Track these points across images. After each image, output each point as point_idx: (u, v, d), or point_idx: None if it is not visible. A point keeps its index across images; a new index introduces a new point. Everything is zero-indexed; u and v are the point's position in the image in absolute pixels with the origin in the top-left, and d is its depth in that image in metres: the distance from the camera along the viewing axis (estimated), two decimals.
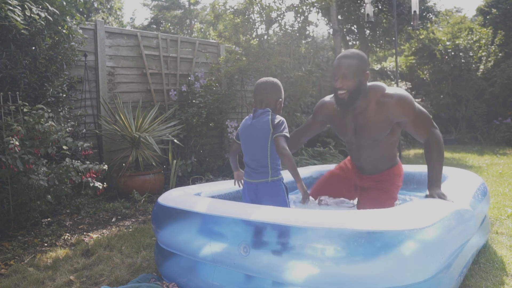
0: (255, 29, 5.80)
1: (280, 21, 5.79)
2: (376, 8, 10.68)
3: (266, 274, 1.71)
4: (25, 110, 3.19)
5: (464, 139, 10.30)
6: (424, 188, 2.39)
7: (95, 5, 12.97)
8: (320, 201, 2.69)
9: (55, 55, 3.80)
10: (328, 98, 2.64)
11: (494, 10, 11.31)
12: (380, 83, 2.40)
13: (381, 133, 2.36)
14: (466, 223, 1.95)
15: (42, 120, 3.15)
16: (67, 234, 3.21)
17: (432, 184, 2.20)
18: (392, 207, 2.27)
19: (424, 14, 10.80)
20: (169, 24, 19.47)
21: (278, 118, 2.19)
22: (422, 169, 3.15)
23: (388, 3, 10.48)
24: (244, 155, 2.30)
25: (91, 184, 3.31)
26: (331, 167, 3.76)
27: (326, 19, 11.43)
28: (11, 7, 2.85)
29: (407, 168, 3.25)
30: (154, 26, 19.49)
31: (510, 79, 10.10)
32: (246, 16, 5.71)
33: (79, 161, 3.34)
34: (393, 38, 9.44)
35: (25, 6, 3.05)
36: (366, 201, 2.51)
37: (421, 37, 11.46)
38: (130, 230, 3.34)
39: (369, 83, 2.38)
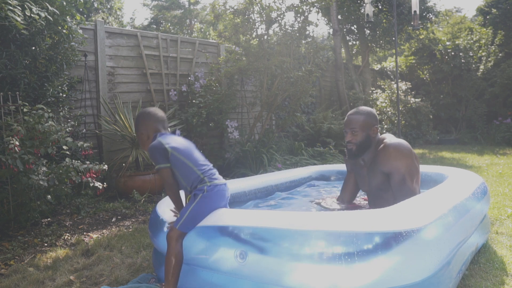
0: (255, 29, 5.79)
1: (280, 21, 5.78)
2: (376, 8, 10.69)
3: (263, 279, 1.70)
4: (25, 110, 3.19)
5: (464, 139, 10.30)
6: (427, 187, 2.38)
7: (95, 5, 12.97)
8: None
9: (55, 55, 3.80)
10: None
11: (494, 10, 11.31)
12: (387, 135, 2.46)
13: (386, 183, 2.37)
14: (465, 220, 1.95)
15: (42, 120, 3.15)
16: (67, 234, 3.21)
17: None
18: None
19: (424, 14, 10.81)
20: (169, 24, 19.48)
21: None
22: (424, 169, 3.15)
23: (388, 3, 10.48)
24: None
25: (91, 184, 3.31)
26: (331, 167, 3.77)
27: (326, 19, 11.43)
28: (11, 7, 2.85)
29: None
30: (154, 26, 19.49)
31: (510, 79, 10.09)
32: (246, 16, 5.70)
33: (79, 161, 3.34)
34: (393, 38, 9.44)
35: (25, 6, 3.04)
36: None
37: (421, 37, 11.47)
38: (130, 230, 3.34)
39: (380, 135, 2.47)
